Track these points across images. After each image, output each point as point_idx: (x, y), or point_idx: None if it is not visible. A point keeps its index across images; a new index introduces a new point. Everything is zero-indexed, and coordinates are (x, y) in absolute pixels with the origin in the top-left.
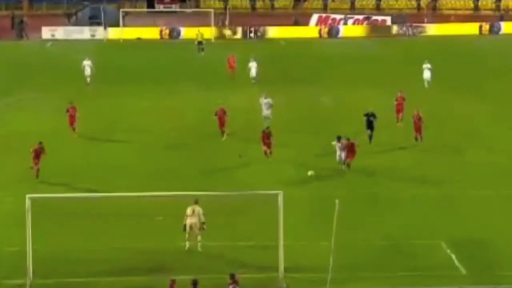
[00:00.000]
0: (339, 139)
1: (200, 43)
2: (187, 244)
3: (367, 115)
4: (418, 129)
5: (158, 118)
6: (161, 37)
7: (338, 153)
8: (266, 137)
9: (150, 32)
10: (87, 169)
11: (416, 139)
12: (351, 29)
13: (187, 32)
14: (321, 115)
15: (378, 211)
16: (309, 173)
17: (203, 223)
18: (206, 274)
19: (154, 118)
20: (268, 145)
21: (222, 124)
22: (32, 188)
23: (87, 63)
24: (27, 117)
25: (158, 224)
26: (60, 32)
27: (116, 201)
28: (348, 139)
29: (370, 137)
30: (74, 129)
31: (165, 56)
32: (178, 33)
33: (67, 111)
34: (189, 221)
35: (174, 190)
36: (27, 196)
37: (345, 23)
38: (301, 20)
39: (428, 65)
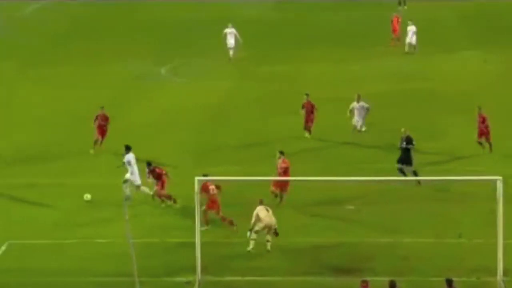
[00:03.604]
0: None
1: None
2: (253, 244)
3: (401, 139)
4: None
5: (340, 88)
6: None
7: None
8: (282, 170)
9: None
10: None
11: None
12: None
13: None
14: None
15: None
16: (86, 197)
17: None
18: (405, 276)
19: (337, 87)
20: (282, 185)
21: (309, 119)
22: (199, 169)
23: (229, 31)
24: (188, 88)
25: (349, 213)
26: None
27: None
28: None
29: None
30: (101, 143)
31: (356, 13)
32: None
33: (96, 119)
34: (267, 220)
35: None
36: (196, 178)
37: None
38: None
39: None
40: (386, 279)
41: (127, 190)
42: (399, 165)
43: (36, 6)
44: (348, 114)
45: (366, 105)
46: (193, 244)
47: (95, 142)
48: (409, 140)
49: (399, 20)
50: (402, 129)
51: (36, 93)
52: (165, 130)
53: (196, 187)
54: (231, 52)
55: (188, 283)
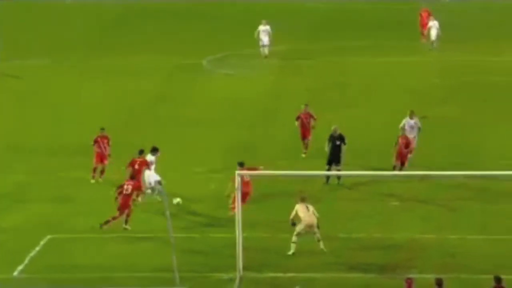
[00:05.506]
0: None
1: None
2: (293, 247)
3: (332, 137)
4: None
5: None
6: None
7: None
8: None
9: None
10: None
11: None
12: None
13: None
14: None
15: None
16: (175, 201)
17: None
18: (452, 273)
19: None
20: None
21: (305, 133)
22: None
23: (263, 29)
24: (234, 81)
25: (392, 210)
26: None
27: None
28: None
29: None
30: (101, 172)
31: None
32: None
33: (95, 142)
34: (307, 219)
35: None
36: (237, 172)
37: None
38: None
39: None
40: (432, 277)
41: (159, 187)
42: (328, 167)
43: None
44: (399, 131)
45: (419, 124)
46: (234, 240)
47: (94, 170)
48: (341, 138)
49: (428, 12)
50: (333, 127)
51: (78, 85)
52: (208, 124)
53: (237, 182)
54: (266, 50)
55: (230, 279)
